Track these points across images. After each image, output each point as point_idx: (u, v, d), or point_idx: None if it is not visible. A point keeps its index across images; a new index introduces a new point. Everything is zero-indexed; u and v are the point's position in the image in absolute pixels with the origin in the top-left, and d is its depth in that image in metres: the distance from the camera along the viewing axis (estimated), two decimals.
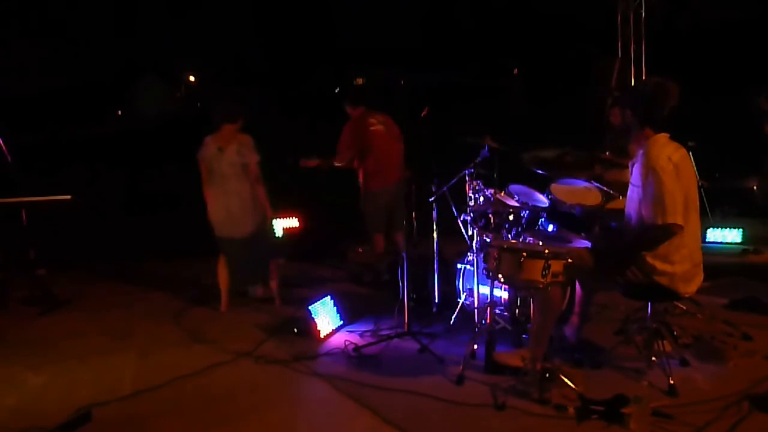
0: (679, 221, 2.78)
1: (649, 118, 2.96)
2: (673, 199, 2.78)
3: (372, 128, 5.10)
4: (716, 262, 4.97)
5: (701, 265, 2.99)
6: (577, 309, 3.40)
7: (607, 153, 4.26)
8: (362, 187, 5.22)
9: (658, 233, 2.81)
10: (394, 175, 5.00)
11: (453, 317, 4.07)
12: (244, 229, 4.53)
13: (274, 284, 4.85)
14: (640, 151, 2.96)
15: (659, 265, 2.86)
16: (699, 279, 2.97)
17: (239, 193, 4.50)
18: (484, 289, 3.82)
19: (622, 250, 3.06)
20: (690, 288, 2.93)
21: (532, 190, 4.09)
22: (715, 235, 6.53)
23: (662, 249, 2.86)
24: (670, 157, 2.85)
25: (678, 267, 2.87)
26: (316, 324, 3.92)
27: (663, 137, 2.94)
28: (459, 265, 4.25)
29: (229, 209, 4.48)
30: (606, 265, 2.98)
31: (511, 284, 3.42)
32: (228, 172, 4.46)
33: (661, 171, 2.80)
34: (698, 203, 2.99)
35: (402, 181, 4.91)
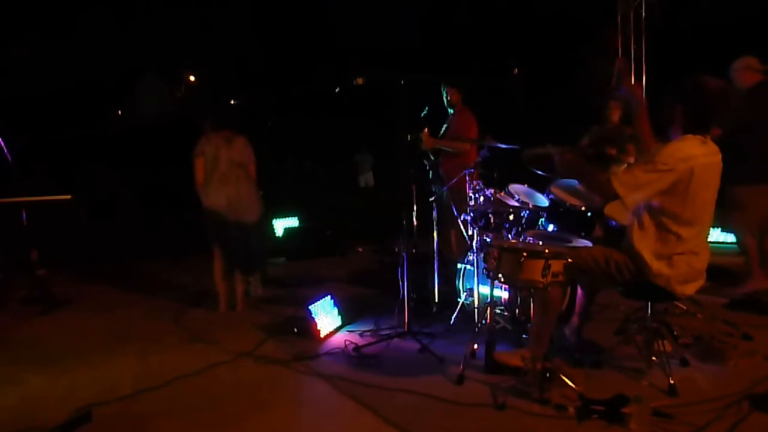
0: (621, 195, 2.71)
1: (697, 124, 2.80)
2: (638, 180, 2.71)
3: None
4: (716, 262, 4.97)
5: (703, 271, 2.94)
6: (578, 309, 3.40)
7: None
8: (450, 179, 4.98)
9: (600, 185, 2.79)
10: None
11: (453, 317, 4.07)
12: (252, 216, 4.73)
13: (240, 286, 4.87)
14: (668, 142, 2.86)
15: (655, 266, 2.84)
16: (699, 282, 2.94)
17: (248, 182, 4.72)
18: (484, 289, 3.82)
19: (582, 172, 3.03)
20: (688, 290, 2.91)
21: (532, 190, 4.09)
22: (715, 235, 6.53)
23: (660, 250, 2.84)
24: (688, 161, 2.70)
25: (675, 270, 2.83)
26: (316, 324, 3.92)
27: (696, 139, 2.79)
28: (459, 265, 4.25)
29: (240, 194, 4.64)
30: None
31: (511, 284, 3.42)
32: (239, 160, 4.66)
33: (660, 159, 2.70)
34: (713, 211, 2.90)
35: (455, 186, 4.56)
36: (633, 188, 2.72)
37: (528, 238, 3.52)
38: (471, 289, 4.03)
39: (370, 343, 3.78)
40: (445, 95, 5.32)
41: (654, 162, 2.72)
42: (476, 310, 3.81)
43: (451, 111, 5.32)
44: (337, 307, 4.21)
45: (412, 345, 3.73)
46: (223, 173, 4.61)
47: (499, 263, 3.07)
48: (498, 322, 3.72)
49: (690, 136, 2.80)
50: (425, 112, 5.38)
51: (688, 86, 2.82)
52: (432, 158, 5.08)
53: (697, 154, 2.74)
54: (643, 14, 7.24)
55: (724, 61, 4.68)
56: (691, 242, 2.83)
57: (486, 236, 3.86)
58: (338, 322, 4.18)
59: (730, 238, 6.43)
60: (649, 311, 3.26)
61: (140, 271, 6.74)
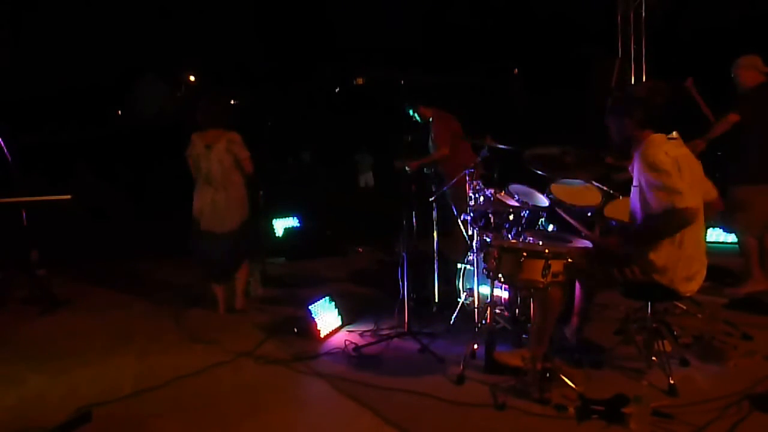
0: (692, 204, 2.73)
1: (648, 120, 2.94)
2: (677, 185, 2.75)
3: (454, 123, 5.17)
4: (716, 262, 4.97)
5: (704, 266, 2.98)
6: (576, 309, 3.39)
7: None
8: (449, 178, 4.85)
9: (673, 219, 2.75)
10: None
11: (453, 317, 4.07)
12: (226, 226, 4.54)
13: (239, 284, 4.81)
14: (637, 152, 2.95)
15: (660, 263, 2.86)
16: (700, 279, 2.96)
17: (227, 190, 4.54)
18: (484, 289, 3.82)
19: (634, 238, 2.99)
20: (690, 287, 2.93)
21: (532, 190, 4.09)
22: (715, 235, 6.53)
23: (666, 249, 2.85)
24: (668, 152, 2.84)
25: (679, 266, 2.86)
26: (316, 324, 3.93)
27: (660, 137, 2.94)
28: (459, 265, 4.25)
29: (215, 204, 4.51)
30: (608, 262, 2.97)
31: (511, 284, 3.42)
32: (216, 169, 4.50)
33: (660, 164, 2.79)
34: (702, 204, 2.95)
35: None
36: (687, 191, 2.74)
37: (528, 238, 3.52)
38: (471, 289, 4.03)
39: (370, 343, 3.78)
40: (416, 117, 5.25)
41: (657, 168, 2.80)
42: (476, 310, 3.81)
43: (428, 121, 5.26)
44: (337, 307, 4.20)
45: (412, 345, 3.73)
46: (203, 180, 4.54)
47: (499, 263, 3.07)
48: (498, 322, 3.72)
49: (653, 135, 2.93)
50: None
51: (622, 100, 3.05)
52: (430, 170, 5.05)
53: (670, 147, 2.89)
54: (643, 14, 7.24)
55: (724, 62, 4.67)
56: (693, 237, 2.86)
57: (486, 236, 3.86)
58: (338, 322, 4.18)
59: (731, 238, 6.44)
60: (649, 311, 3.26)
61: (140, 270, 6.74)
